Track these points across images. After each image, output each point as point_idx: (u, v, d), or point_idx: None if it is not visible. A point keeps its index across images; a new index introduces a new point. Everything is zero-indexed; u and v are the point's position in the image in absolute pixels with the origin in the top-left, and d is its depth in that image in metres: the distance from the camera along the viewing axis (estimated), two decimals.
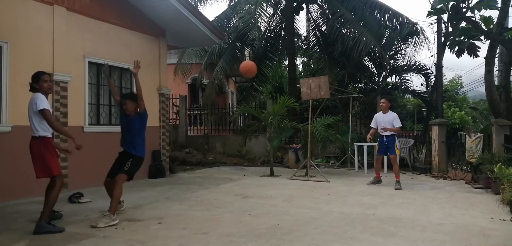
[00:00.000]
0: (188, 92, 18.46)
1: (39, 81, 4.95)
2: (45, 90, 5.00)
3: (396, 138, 8.21)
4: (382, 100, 8.53)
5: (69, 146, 5.63)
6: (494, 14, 10.54)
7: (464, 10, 9.51)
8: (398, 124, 8.16)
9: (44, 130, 4.89)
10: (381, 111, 8.40)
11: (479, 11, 9.56)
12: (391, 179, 8.46)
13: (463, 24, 10.47)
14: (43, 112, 4.79)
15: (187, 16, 9.28)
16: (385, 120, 8.21)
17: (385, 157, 9.50)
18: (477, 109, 29.33)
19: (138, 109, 5.52)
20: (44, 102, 4.83)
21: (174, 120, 15.90)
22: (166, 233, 4.74)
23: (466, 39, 10.44)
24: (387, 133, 8.13)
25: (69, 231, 4.87)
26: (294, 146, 12.15)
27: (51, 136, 5.01)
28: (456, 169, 9.79)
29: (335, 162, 12.47)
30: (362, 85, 16.72)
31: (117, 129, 8.92)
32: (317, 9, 16.15)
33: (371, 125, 8.61)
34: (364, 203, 6.55)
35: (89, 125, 8.25)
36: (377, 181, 8.41)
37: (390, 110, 8.34)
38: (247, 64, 6.97)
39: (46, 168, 4.84)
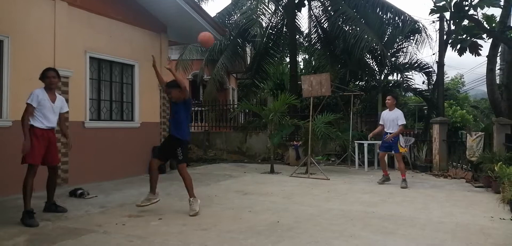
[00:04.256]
0: (189, 89, 18.44)
1: (44, 78, 5.38)
2: (51, 85, 5.38)
3: (400, 135, 8.05)
4: (388, 97, 8.36)
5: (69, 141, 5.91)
6: (497, 12, 10.51)
7: (466, 8, 9.46)
8: (401, 121, 7.94)
9: (33, 120, 5.20)
10: (388, 109, 8.26)
11: (482, 9, 9.50)
12: (393, 176, 8.45)
13: (466, 22, 10.42)
14: (26, 106, 5.17)
15: (188, 12, 9.25)
16: (390, 117, 8.08)
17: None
18: (478, 108, 29.28)
19: (184, 98, 5.63)
20: (34, 98, 5.18)
21: None
22: (166, 229, 4.75)
23: (468, 38, 10.39)
24: (391, 130, 8.01)
25: (69, 226, 4.88)
26: (295, 143, 12.14)
27: (39, 126, 5.25)
28: (457, 168, 9.78)
29: (335, 160, 12.47)
30: (363, 83, 16.70)
31: (118, 124, 9.02)
32: (319, 6, 16.12)
33: (380, 122, 8.48)
34: (364, 200, 6.55)
35: (90, 120, 8.25)
36: (386, 179, 8.27)
37: (396, 108, 8.19)
38: (206, 35, 7.39)
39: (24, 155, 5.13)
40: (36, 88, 5.29)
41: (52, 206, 5.56)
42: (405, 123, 8.09)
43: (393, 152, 8.33)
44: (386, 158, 8.72)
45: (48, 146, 5.36)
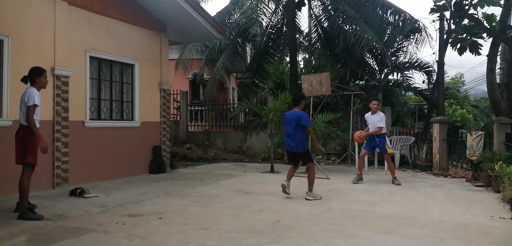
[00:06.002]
0: (189, 88, 18.46)
1: (41, 77, 5.42)
2: (43, 86, 5.49)
3: (386, 137, 8.56)
4: (373, 102, 8.79)
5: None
6: (497, 11, 10.50)
7: (466, 7, 9.45)
8: (381, 124, 8.39)
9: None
10: (370, 112, 8.73)
11: (482, 8, 9.49)
12: (390, 176, 8.45)
13: (466, 21, 10.41)
14: (29, 109, 5.19)
15: (188, 11, 9.26)
16: (373, 120, 8.54)
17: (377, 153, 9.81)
18: (478, 107, 29.31)
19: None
20: (36, 98, 5.24)
21: (175, 116, 15.91)
22: (166, 229, 4.75)
23: (468, 37, 10.37)
24: (381, 130, 8.39)
25: (69, 225, 4.89)
26: None
27: (38, 126, 5.37)
28: (457, 167, 9.78)
29: (335, 159, 12.46)
30: (364, 82, 16.67)
31: (118, 124, 9.03)
32: (319, 5, 16.08)
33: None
34: (364, 200, 6.55)
35: (90, 119, 8.25)
36: (360, 178, 8.44)
37: (378, 111, 8.68)
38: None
39: (24, 155, 5.28)
40: (31, 89, 5.32)
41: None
42: (382, 126, 8.43)
43: (383, 153, 8.74)
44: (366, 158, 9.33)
45: None
